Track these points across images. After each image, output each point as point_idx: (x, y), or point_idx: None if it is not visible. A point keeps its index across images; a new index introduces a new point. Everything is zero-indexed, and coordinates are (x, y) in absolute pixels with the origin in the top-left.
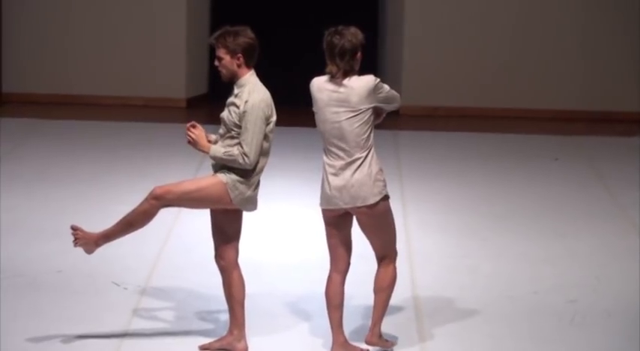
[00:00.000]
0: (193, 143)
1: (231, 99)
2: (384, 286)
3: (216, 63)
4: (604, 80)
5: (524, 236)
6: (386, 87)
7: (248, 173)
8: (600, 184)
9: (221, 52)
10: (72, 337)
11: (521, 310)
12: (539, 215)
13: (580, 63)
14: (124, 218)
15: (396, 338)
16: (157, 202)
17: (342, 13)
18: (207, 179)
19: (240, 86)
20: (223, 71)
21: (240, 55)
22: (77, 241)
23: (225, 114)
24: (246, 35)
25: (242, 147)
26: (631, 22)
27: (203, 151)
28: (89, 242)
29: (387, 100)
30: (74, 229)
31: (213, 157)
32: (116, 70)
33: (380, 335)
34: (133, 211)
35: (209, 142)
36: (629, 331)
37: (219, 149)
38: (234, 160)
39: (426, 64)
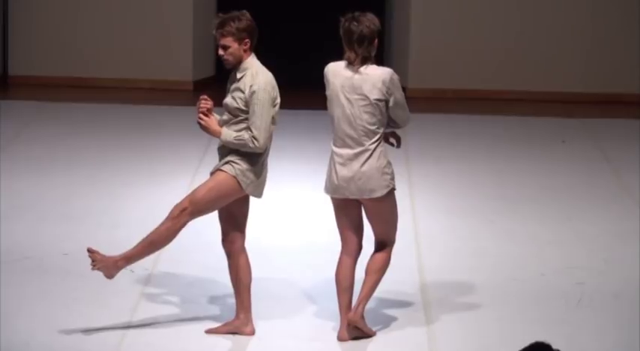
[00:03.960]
0: (204, 128)
1: (234, 84)
2: (376, 269)
3: (222, 52)
4: (611, 62)
5: (531, 218)
6: (400, 90)
7: (254, 159)
8: (607, 167)
9: (227, 41)
10: (78, 320)
11: (529, 292)
12: (546, 197)
13: (586, 45)
14: (147, 238)
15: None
16: (179, 219)
17: None
18: (215, 178)
19: (243, 70)
20: (230, 59)
21: (247, 39)
22: (94, 265)
23: (228, 100)
24: (247, 18)
25: (251, 131)
26: (636, 4)
27: (215, 136)
28: (108, 265)
29: (398, 102)
30: (90, 251)
31: (225, 142)
32: (123, 52)
33: (362, 316)
34: (156, 231)
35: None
36: (636, 313)
37: (230, 133)
38: (245, 145)
39: (433, 47)
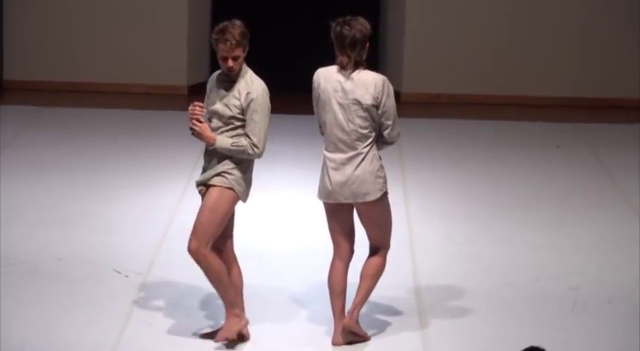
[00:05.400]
0: (198, 135)
1: (226, 92)
2: (371, 274)
3: (232, 64)
4: (605, 67)
5: (525, 223)
6: (393, 99)
7: (244, 166)
8: (602, 172)
9: (238, 51)
10: (73, 325)
11: (523, 297)
12: (540, 202)
13: (581, 50)
14: (215, 285)
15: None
16: (203, 255)
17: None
18: (211, 198)
19: (241, 76)
20: (237, 68)
21: (247, 46)
22: (229, 337)
23: (220, 108)
24: (241, 25)
25: (250, 138)
26: (632, 8)
27: (209, 143)
28: (238, 329)
29: (387, 110)
30: (205, 336)
31: (221, 149)
32: (118, 57)
33: (357, 321)
34: (207, 275)
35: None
36: (630, 318)
37: (226, 140)
38: (243, 151)
39: (427, 51)
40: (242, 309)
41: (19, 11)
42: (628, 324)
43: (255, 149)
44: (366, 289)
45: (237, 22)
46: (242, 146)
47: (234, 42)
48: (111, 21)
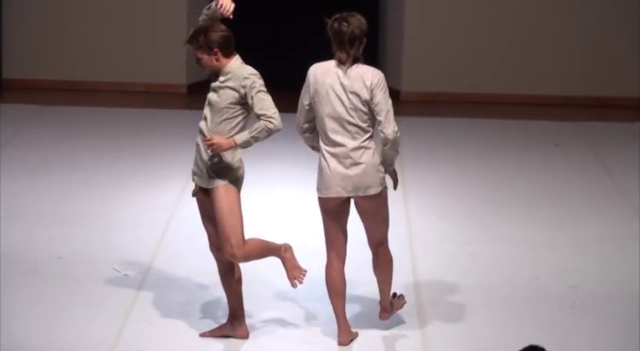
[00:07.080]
0: (219, 147)
1: (216, 84)
2: (386, 264)
3: (197, 62)
4: (605, 66)
5: (525, 222)
6: (386, 94)
7: (233, 161)
8: (601, 170)
9: (198, 53)
10: (72, 324)
11: (522, 295)
12: (540, 201)
13: (581, 48)
14: (267, 255)
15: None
16: (244, 248)
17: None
18: (220, 203)
19: (226, 73)
20: (205, 68)
21: (216, 50)
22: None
23: (214, 97)
24: (217, 29)
25: (264, 113)
26: (632, 7)
27: (231, 148)
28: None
29: (378, 104)
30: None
31: (244, 143)
32: (117, 56)
33: (391, 304)
34: (261, 258)
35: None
36: (629, 316)
37: (244, 134)
38: (262, 130)
39: (427, 50)
40: (242, 312)
41: (19, 10)
42: (627, 323)
43: (273, 121)
44: (388, 279)
45: (213, 27)
46: (259, 127)
47: (190, 45)
48: (111, 19)
